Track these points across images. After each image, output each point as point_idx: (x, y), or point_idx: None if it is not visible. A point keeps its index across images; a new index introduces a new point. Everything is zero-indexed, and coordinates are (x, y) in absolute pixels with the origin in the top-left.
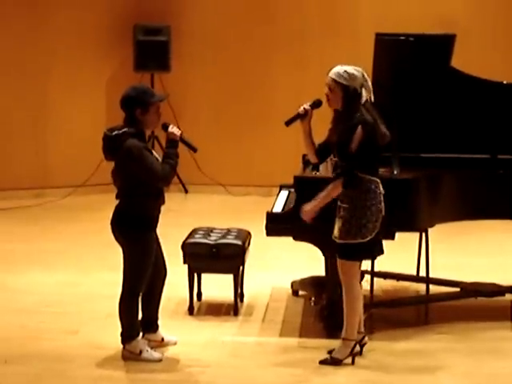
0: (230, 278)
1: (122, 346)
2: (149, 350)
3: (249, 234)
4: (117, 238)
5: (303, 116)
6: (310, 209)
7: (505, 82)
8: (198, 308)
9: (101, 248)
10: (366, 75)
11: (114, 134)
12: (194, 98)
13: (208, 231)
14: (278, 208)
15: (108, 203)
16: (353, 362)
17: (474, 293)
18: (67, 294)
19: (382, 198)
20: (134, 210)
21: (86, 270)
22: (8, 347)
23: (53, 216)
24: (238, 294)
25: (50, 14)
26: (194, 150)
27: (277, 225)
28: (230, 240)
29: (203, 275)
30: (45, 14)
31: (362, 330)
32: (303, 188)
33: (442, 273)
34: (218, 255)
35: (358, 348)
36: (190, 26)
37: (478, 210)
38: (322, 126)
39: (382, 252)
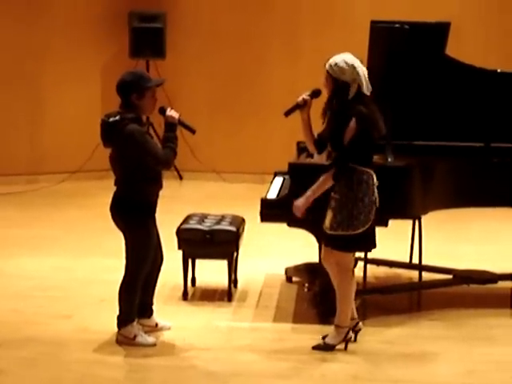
0: (224, 263)
1: (116, 331)
2: (143, 334)
3: (243, 220)
4: (117, 224)
5: (302, 106)
6: (301, 204)
7: (499, 71)
8: (193, 293)
9: (95, 234)
10: (358, 68)
11: (111, 119)
12: (189, 84)
13: (202, 217)
14: (272, 194)
15: (102, 189)
16: (345, 348)
17: (467, 280)
18: (61, 279)
19: (376, 190)
20: (134, 196)
21: (81, 256)
22: (2, 332)
23: (47, 202)
24: (232, 280)
25: (46, 2)
26: (193, 131)
27: (271, 211)
28: (224, 226)
29: (197, 261)
30: (39, 3)
31: (355, 316)
32: (298, 174)
33: (434, 260)
34: (212, 241)
35: (350, 334)
36: (185, 13)
37: (472, 197)
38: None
39: (374, 246)
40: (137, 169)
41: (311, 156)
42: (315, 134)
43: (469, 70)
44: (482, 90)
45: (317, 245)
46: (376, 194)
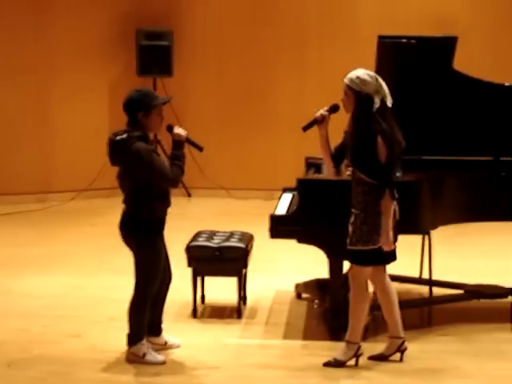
0: (233, 280)
1: (126, 349)
2: (152, 352)
3: (252, 236)
4: (126, 242)
5: (320, 121)
6: (388, 240)
7: (507, 84)
8: (202, 311)
9: (104, 252)
10: (380, 80)
11: (118, 138)
12: (197, 102)
13: (211, 234)
14: (281, 210)
15: (111, 207)
16: (356, 364)
17: (477, 295)
18: (70, 298)
19: (396, 204)
20: (142, 214)
21: (89, 274)
22: (11, 351)
23: (56, 220)
24: (242, 297)
25: (53, 20)
26: (201, 149)
27: (280, 227)
28: (234, 243)
29: (207, 278)
30: (47, 19)
31: (402, 335)
32: (307, 190)
33: (444, 275)
34: (222, 258)
35: (361, 351)
36: (192, 30)
37: (481, 212)
38: (337, 131)
39: (394, 258)
40: (144, 187)
41: (319, 172)
42: (332, 149)
43: (476, 84)
44: (490, 103)
45: (326, 261)
46: (396, 207)
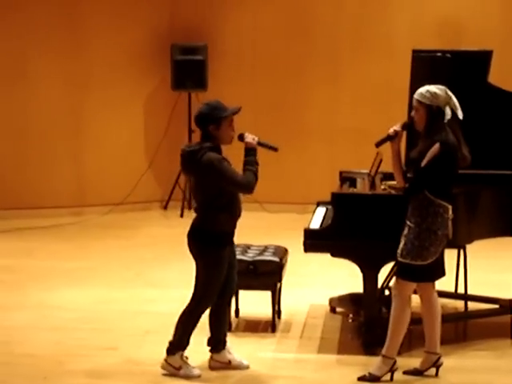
0: (267, 294)
1: (163, 359)
2: (189, 366)
3: (286, 250)
4: (191, 251)
5: (393, 138)
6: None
7: None
8: (236, 325)
9: (137, 264)
10: (449, 93)
11: (191, 149)
12: None
13: (245, 248)
14: (315, 224)
15: (146, 221)
16: (391, 379)
17: None
18: (105, 311)
19: (450, 223)
20: (209, 226)
21: (124, 287)
22: (47, 364)
23: (91, 234)
24: (276, 311)
25: (90, 36)
26: (275, 149)
27: (315, 241)
28: (268, 257)
29: (241, 292)
30: (84, 35)
31: (438, 350)
32: (341, 204)
33: (480, 290)
34: (256, 272)
35: (396, 366)
36: (226, 44)
37: None
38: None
39: (443, 274)
40: (214, 198)
41: (354, 186)
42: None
43: None
44: None
45: (361, 275)
46: (450, 226)
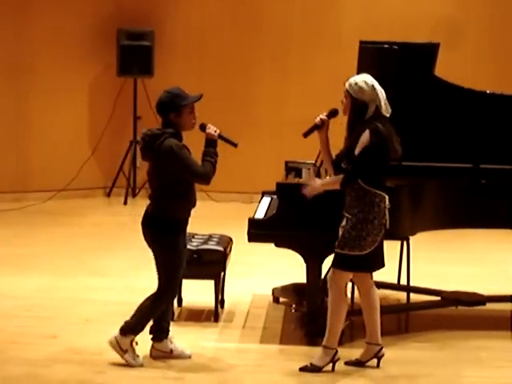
0: (210, 283)
1: (114, 334)
2: (134, 353)
3: (230, 240)
4: (146, 240)
5: (320, 126)
6: (315, 189)
7: (488, 92)
8: (179, 314)
9: (80, 252)
10: (377, 88)
11: (152, 133)
12: None
13: (189, 237)
14: (260, 214)
15: (88, 208)
16: (333, 370)
17: (455, 302)
18: (46, 299)
19: (387, 212)
20: (164, 213)
21: (66, 275)
22: None
23: (33, 220)
24: (219, 301)
25: (34, 19)
26: (235, 145)
27: (259, 231)
28: (212, 246)
29: (184, 281)
30: (28, 19)
31: (380, 341)
32: (286, 194)
33: (422, 281)
34: (199, 261)
35: (338, 356)
36: (173, 31)
37: (460, 219)
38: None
39: (382, 265)
40: (170, 185)
41: (300, 176)
42: (333, 155)
43: (457, 91)
44: (471, 110)
45: (304, 265)
46: (387, 216)
